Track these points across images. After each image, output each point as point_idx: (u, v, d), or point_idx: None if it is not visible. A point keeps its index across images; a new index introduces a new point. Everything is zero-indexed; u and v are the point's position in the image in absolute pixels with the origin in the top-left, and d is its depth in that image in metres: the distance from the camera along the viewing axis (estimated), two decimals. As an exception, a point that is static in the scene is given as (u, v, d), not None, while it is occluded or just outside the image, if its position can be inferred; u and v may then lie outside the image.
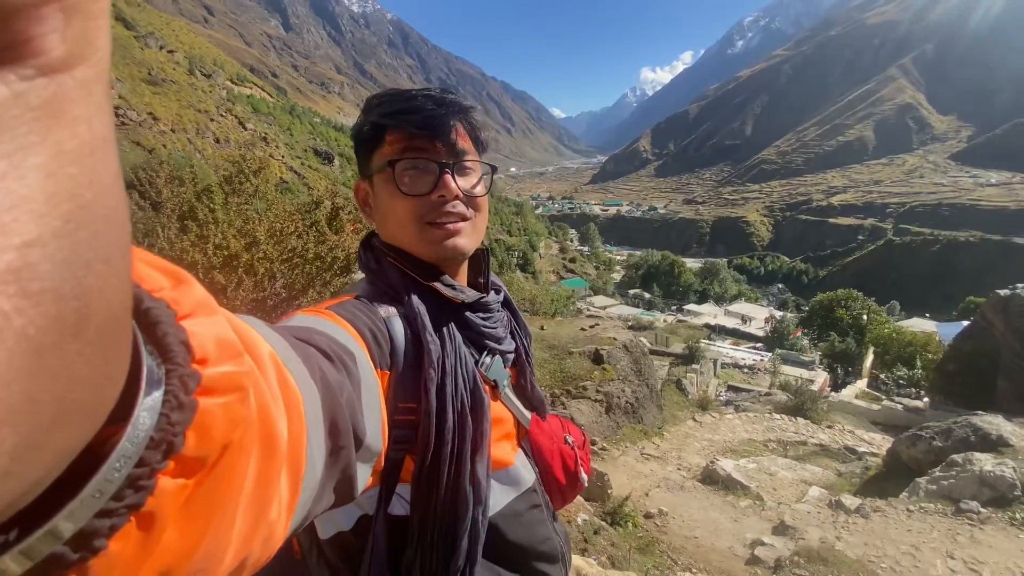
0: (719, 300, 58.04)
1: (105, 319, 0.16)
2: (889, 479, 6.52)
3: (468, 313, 0.71)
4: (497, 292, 0.80)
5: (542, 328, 11.06)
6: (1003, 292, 14.15)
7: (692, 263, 73.30)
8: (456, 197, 0.69)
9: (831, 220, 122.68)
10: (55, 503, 0.18)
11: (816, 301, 36.62)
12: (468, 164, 0.72)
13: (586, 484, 0.89)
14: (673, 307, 52.82)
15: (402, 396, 0.62)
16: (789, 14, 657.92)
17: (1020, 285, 14.26)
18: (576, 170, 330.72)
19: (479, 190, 0.72)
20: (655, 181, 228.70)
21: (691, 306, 51.72)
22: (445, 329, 0.67)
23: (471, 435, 0.64)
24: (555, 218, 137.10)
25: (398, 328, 0.64)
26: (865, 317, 32.04)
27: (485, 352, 0.72)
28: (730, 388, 17.22)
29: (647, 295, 56.34)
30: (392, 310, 0.66)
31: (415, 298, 0.67)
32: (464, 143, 0.71)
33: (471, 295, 0.72)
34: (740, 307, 49.47)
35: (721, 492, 6.33)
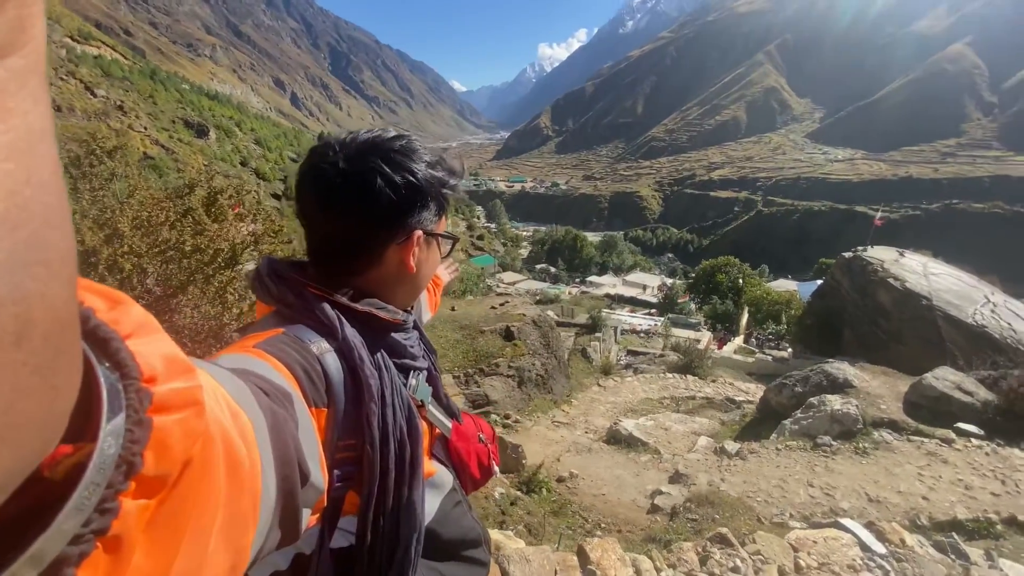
0: (617, 271, 61.58)
1: (50, 327, 0.15)
2: (763, 423, 7.42)
3: (393, 335, 0.72)
4: (409, 311, 0.80)
5: (452, 309, 11.02)
6: (847, 254, 16.39)
7: (593, 237, 76.75)
8: None
9: (712, 194, 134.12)
10: (21, 532, 0.17)
11: (700, 268, 40.30)
12: None
13: (497, 473, 1.00)
14: (577, 279, 55.07)
15: (341, 434, 0.60)
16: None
17: (860, 248, 16.63)
18: (480, 146, 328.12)
19: None
20: (556, 158, 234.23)
21: (593, 278, 54.32)
22: (379, 358, 0.67)
23: (411, 463, 0.65)
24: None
25: (332, 363, 0.61)
26: (741, 280, 35.84)
27: (410, 373, 0.74)
28: (629, 353, 18.45)
29: (552, 269, 58.19)
30: (324, 345, 0.62)
31: (349, 329, 0.64)
32: None
33: (402, 314, 0.73)
34: (636, 277, 52.86)
35: (624, 450, 6.82)
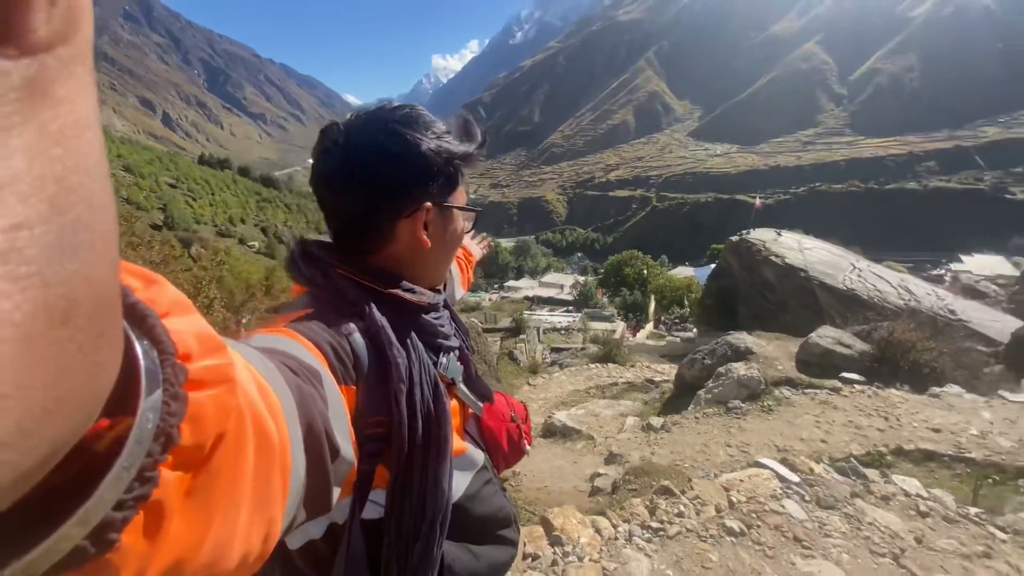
0: (533, 274, 63.06)
1: (94, 306, 0.16)
2: (680, 397, 7.96)
3: (424, 316, 0.72)
4: (438, 292, 0.80)
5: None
6: (734, 238, 18.03)
7: (507, 243, 78.03)
8: None
9: (610, 194, 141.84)
10: (69, 498, 0.18)
11: (608, 264, 42.55)
12: None
13: (528, 453, 1.00)
14: (495, 285, 55.62)
15: (370, 411, 0.61)
16: (557, 9, 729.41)
17: (744, 231, 18.40)
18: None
19: None
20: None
21: (511, 282, 55.16)
22: (406, 338, 0.67)
23: (438, 440, 0.66)
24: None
25: (360, 343, 0.63)
26: (646, 272, 38.26)
27: (440, 352, 0.74)
28: (553, 350, 18.94)
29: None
30: (352, 325, 0.64)
31: (375, 311, 0.66)
32: None
33: (430, 296, 0.73)
34: (551, 277, 54.53)
35: (561, 441, 7.01)
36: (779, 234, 17.45)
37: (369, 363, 0.63)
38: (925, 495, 3.09)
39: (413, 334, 0.69)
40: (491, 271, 62.69)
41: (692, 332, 23.20)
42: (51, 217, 0.14)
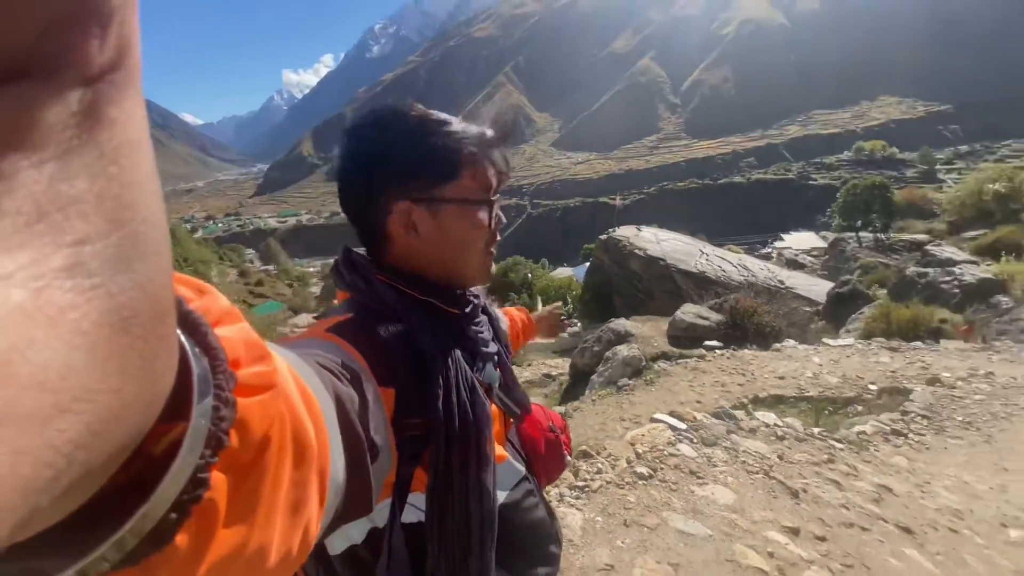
0: (418, 289, 62.07)
1: (151, 316, 0.17)
2: (576, 386, 8.53)
3: (464, 322, 0.74)
4: (476, 298, 0.81)
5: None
6: (603, 237, 19.67)
7: (386, 260, 75.56)
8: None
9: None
10: (128, 499, 0.19)
11: (495, 270, 43.43)
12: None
13: (569, 464, 1.01)
14: (379, 305, 53.66)
15: (409, 413, 0.62)
16: (412, 24, 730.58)
17: (610, 230, 20.12)
18: (235, 183, 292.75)
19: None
20: (329, 186, 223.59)
21: (395, 300, 53.72)
22: (444, 342, 0.68)
23: (477, 443, 0.66)
24: (224, 240, 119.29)
25: (399, 346, 0.64)
26: (530, 275, 39.86)
27: (478, 358, 0.75)
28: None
29: (351, 300, 55.61)
30: (391, 329, 0.65)
31: (414, 315, 0.67)
32: None
33: (464, 305, 0.75)
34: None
35: (471, 446, 7.15)
36: (639, 229, 19.39)
37: (408, 366, 0.63)
38: (780, 424, 3.80)
39: (450, 339, 0.69)
40: (374, 291, 60.43)
41: (577, 327, 24.63)
42: (110, 232, 0.15)
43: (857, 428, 4.11)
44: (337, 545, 0.64)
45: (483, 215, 0.72)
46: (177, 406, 0.20)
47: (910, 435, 4.03)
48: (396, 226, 0.70)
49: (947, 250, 17.46)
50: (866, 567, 2.27)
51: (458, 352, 0.69)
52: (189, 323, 0.22)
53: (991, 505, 3.01)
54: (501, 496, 0.74)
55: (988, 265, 12.65)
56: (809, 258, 26.05)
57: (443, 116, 0.71)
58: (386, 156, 0.68)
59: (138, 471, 0.20)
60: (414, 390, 0.63)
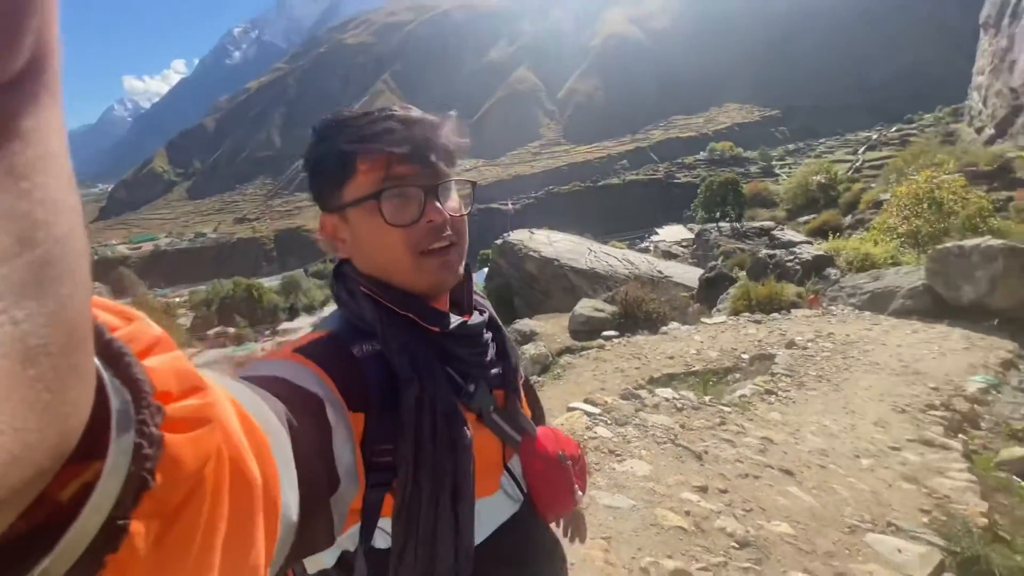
0: (310, 310, 58.34)
1: (63, 345, 0.15)
2: (488, 388, 8.67)
3: (449, 341, 0.67)
4: (481, 313, 0.75)
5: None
6: (498, 242, 20.17)
7: (270, 282, 70.12)
8: (444, 222, 0.65)
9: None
10: (30, 551, 0.17)
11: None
12: (449, 184, 0.67)
13: (580, 500, 0.83)
14: (266, 332, 49.67)
15: (378, 438, 0.59)
16: (277, 28, 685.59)
17: (505, 234, 20.64)
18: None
19: (462, 210, 0.69)
20: (192, 204, 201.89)
21: (285, 325, 50.03)
22: (424, 362, 0.62)
23: (452, 475, 0.61)
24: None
25: (373, 366, 0.61)
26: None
27: (468, 379, 0.68)
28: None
29: (232, 330, 50.68)
30: (367, 347, 0.62)
31: (391, 332, 0.63)
32: (442, 162, 0.66)
33: (450, 321, 0.67)
34: (329, 310, 51.40)
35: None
36: (532, 233, 20.13)
37: (382, 387, 0.60)
38: (678, 397, 4.21)
39: (432, 358, 0.64)
40: (258, 317, 55.78)
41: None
42: (18, 254, 0.14)
43: (739, 392, 4.69)
44: (310, 567, 0.62)
45: (387, 208, 0.62)
46: (92, 444, 0.18)
47: (779, 392, 4.69)
48: (328, 239, 0.69)
49: (788, 233, 20.39)
50: (762, 508, 2.63)
51: (438, 373, 0.63)
52: (111, 353, 0.20)
53: (846, 442, 3.62)
54: (482, 535, 0.66)
55: (819, 244, 15.04)
56: (680, 248, 28.86)
57: (353, 113, 0.66)
58: (307, 170, 0.68)
59: (44, 519, 0.17)
60: (385, 413, 0.59)
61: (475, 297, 0.76)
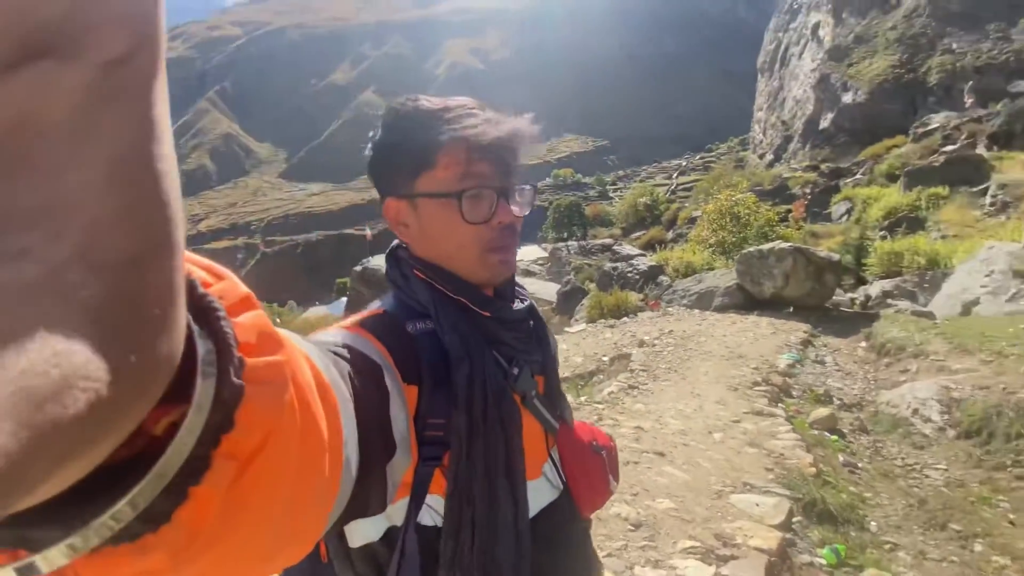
0: None
1: (160, 296, 0.17)
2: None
3: (496, 325, 0.70)
4: (522, 301, 0.77)
5: None
6: (358, 268, 19.23)
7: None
8: (512, 223, 0.70)
9: (206, 246, 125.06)
10: (128, 476, 0.19)
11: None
12: (518, 187, 0.71)
13: (615, 490, 0.85)
14: None
15: (431, 412, 0.60)
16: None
17: (364, 260, 19.80)
18: None
19: (523, 211, 0.72)
20: None
21: None
22: (474, 343, 0.65)
23: (504, 451, 0.62)
24: None
25: (426, 344, 0.64)
26: (278, 320, 35.89)
27: (513, 363, 0.70)
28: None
29: None
30: (421, 325, 0.65)
31: (444, 313, 0.66)
32: (515, 164, 0.70)
33: (499, 307, 0.71)
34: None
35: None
36: (392, 256, 19.66)
37: (434, 364, 0.62)
38: (558, 401, 4.41)
39: (482, 340, 0.66)
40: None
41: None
42: (124, 214, 0.15)
43: (607, 390, 5.07)
44: (354, 540, 0.63)
45: (467, 207, 0.66)
46: (181, 388, 0.20)
47: (640, 386, 5.18)
48: (391, 223, 0.72)
49: (626, 248, 22.87)
50: (646, 490, 2.85)
51: (488, 355, 0.66)
52: (202, 307, 0.22)
53: (699, 421, 4.12)
54: (532, 514, 0.67)
55: (651, 256, 17.15)
56: (537, 266, 30.66)
57: (434, 104, 0.68)
58: (377, 155, 0.71)
59: (140, 449, 0.20)
60: (438, 389, 0.61)
61: (516, 288, 0.79)
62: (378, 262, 18.91)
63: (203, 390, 0.21)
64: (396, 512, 0.60)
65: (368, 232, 36.58)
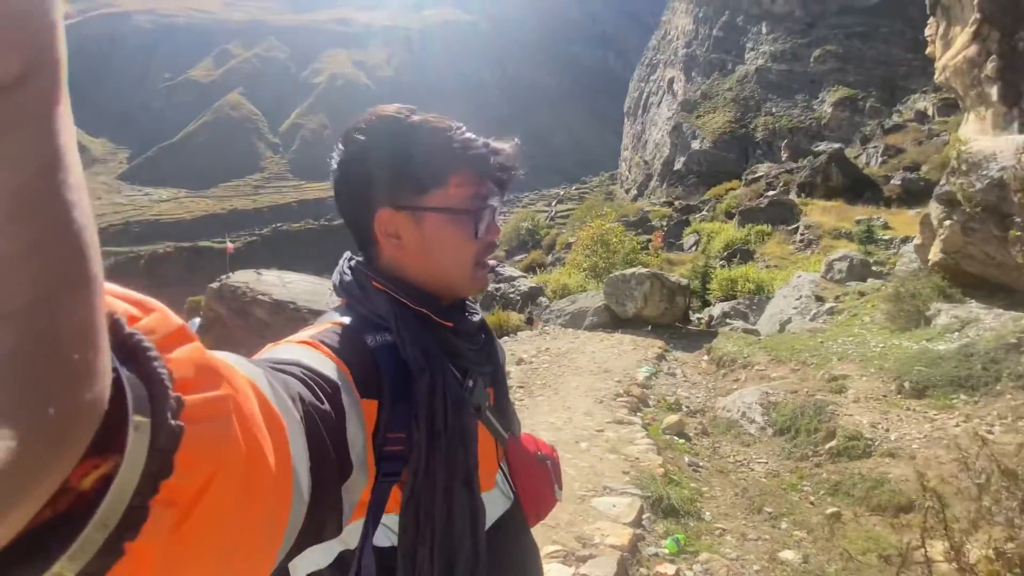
0: None
1: (77, 339, 0.15)
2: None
3: (453, 337, 0.71)
4: (475, 315, 0.78)
5: None
6: (214, 285, 17.26)
7: None
8: (495, 240, 0.74)
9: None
10: (54, 540, 0.17)
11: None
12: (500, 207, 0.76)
13: (560, 499, 0.86)
14: None
15: (392, 426, 0.59)
16: None
17: (223, 276, 17.92)
18: None
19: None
20: None
21: None
22: (434, 356, 0.65)
23: (463, 462, 0.62)
24: None
25: (386, 356, 0.63)
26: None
27: (468, 375, 0.71)
28: None
29: None
30: (379, 338, 0.64)
31: (404, 325, 0.65)
32: (509, 187, 0.75)
33: (460, 318, 0.73)
34: None
35: None
36: (260, 274, 17.95)
37: (393, 378, 0.61)
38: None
39: (440, 353, 0.66)
40: None
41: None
42: (28, 253, 0.14)
43: (485, 408, 5.19)
44: (301, 568, 0.60)
45: (470, 224, 0.70)
46: (111, 438, 0.19)
47: (516, 403, 5.37)
48: (380, 233, 0.70)
49: (508, 270, 23.64)
50: (516, 500, 2.97)
51: (447, 367, 0.66)
52: (130, 346, 0.20)
53: (568, 432, 4.39)
54: (487, 525, 0.68)
55: (532, 277, 17.97)
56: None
57: (442, 122, 0.70)
58: (373, 162, 0.69)
59: (66, 507, 0.18)
60: (397, 403, 0.60)
61: (467, 302, 0.80)
62: (240, 278, 17.22)
63: (136, 440, 0.19)
64: (350, 535, 0.58)
65: (229, 245, 33.27)
